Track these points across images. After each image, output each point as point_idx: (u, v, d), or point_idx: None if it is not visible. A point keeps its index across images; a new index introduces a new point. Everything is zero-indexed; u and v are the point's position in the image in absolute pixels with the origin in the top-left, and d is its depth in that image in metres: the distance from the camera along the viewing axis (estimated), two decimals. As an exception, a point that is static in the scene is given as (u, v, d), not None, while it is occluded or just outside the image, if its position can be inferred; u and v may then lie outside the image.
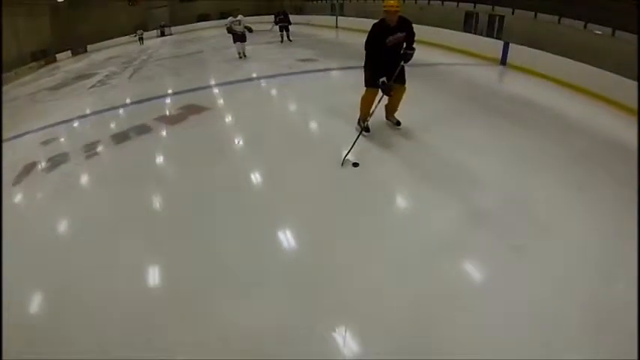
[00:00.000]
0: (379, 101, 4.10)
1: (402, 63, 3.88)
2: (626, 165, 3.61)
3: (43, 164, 4.90)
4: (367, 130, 4.30)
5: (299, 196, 3.39)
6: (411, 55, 3.88)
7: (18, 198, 4.23)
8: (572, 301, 2.18)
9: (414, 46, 3.91)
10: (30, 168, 4.83)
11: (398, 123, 4.51)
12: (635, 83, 5.29)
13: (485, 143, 4.19)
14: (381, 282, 2.39)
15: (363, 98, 4.25)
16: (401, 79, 4.06)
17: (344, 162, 3.66)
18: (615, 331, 1.99)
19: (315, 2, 22.39)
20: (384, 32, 3.73)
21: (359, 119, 4.41)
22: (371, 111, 4.17)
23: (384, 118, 4.57)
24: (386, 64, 3.81)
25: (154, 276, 2.67)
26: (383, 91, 3.90)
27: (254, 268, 2.61)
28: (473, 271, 2.47)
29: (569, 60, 6.57)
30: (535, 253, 2.54)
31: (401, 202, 3.30)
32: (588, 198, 3.16)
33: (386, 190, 3.39)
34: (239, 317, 2.21)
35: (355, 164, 3.69)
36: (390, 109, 4.48)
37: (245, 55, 10.09)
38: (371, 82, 4.02)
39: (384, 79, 3.77)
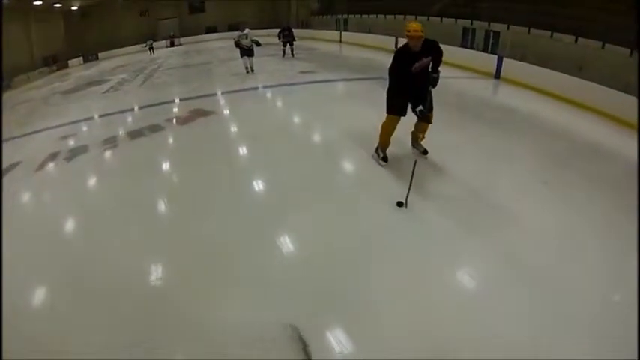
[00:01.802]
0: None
1: (431, 88, 3.66)
2: (609, 166, 4.13)
3: (64, 155, 5.46)
4: (385, 160, 4.09)
5: (291, 184, 3.92)
6: (437, 79, 3.66)
7: (40, 181, 4.78)
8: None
9: (440, 68, 3.70)
10: (52, 157, 5.39)
11: (425, 152, 4.21)
12: (620, 93, 5.74)
13: (465, 147, 4.51)
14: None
15: (384, 126, 3.98)
16: (428, 107, 3.76)
17: (407, 204, 3.27)
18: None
19: (321, 17, 23.13)
20: (408, 59, 3.52)
21: (377, 148, 4.19)
22: (390, 139, 4.01)
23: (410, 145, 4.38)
24: (413, 90, 3.62)
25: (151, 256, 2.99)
26: (422, 120, 3.70)
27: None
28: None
29: (559, 73, 7.01)
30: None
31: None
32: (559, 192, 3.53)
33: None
34: (235, 313, 2.33)
35: (399, 204, 3.31)
36: (417, 138, 4.22)
37: (253, 70, 9.94)
38: (393, 110, 3.82)
39: (421, 107, 3.57)
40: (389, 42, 13.61)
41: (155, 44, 22.42)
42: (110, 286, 2.65)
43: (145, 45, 22.06)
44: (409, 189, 3.32)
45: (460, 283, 2.53)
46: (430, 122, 3.79)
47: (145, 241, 3.20)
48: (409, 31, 3.43)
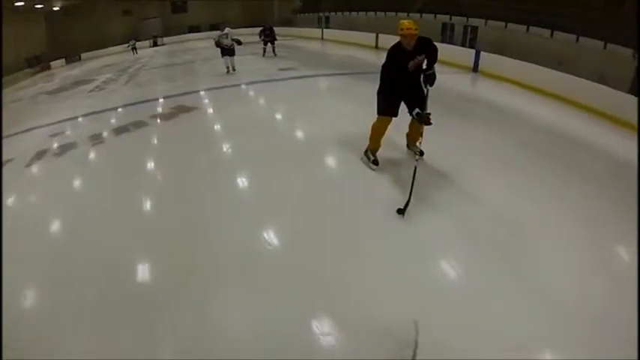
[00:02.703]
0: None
1: (428, 87, 3.61)
2: (580, 155, 4.48)
3: (53, 150, 5.72)
4: (376, 163, 3.92)
5: (267, 173, 4.26)
6: (434, 77, 3.59)
7: (31, 176, 5.05)
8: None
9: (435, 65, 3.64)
10: (41, 154, 5.64)
11: (421, 153, 3.97)
12: (594, 84, 6.15)
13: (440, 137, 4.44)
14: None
15: (374, 128, 3.84)
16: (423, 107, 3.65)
17: (405, 212, 3.12)
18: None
19: (303, 15, 23.40)
20: (402, 58, 3.40)
21: (366, 150, 4.03)
22: (381, 142, 3.92)
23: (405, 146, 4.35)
24: (408, 90, 3.53)
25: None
26: (422, 122, 3.50)
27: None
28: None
29: (534, 65, 7.44)
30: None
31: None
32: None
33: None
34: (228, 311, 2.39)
35: (400, 211, 3.13)
36: (412, 140, 4.12)
37: (234, 70, 9.86)
38: (384, 110, 3.70)
39: (417, 110, 3.43)
40: (370, 38, 14.05)
41: (138, 44, 22.44)
42: (96, 281, 2.75)
43: (127, 45, 22.08)
44: (409, 197, 3.19)
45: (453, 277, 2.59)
46: (430, 124, 3.49)
47: (131, 226, 3.45)
48: (403, 29, 3.32)
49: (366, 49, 13.48)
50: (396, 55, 3.46)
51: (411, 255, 2.75)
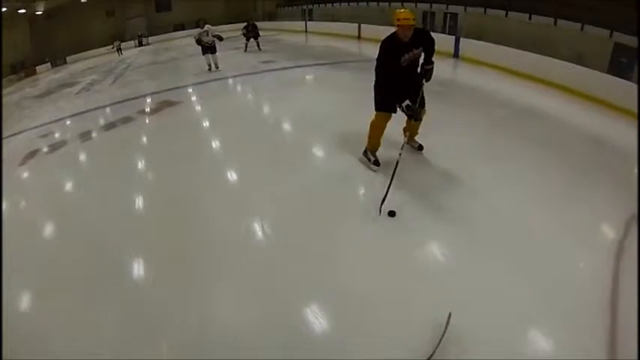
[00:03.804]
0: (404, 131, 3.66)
1: (424, 81, 3.46)
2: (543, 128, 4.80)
3: (44, 150, 5.93)
4: (377, 163, 3.72)
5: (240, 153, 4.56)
6: (431, 72, 3.43)
7: (25, 174, 5.24)
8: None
9: (433, 59, 3.46)
10: (33, 154, 5.83)
11: (420, 147, 4.01)
12: (570, 64, 6.42)
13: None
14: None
15: (372, 125, 3.64)
16: (421, 102, 3.51)
17: (381, 211, 3.03)
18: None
19: (287, 9, 23.50)
20: (397, 51, 3.21)
21: (365, 150, 3.84)
22: (381, 141, 3.72)
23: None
24: (403, 85, 3.30)
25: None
26: (411, 117, 3.38)
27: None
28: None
29: (512, 49, 7.74)
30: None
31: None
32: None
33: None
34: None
35: (392, 213, 3.02)
36: (411, 134, 3.91)
37: (217, 67, 9.64)
38: (382, 106, 3.50)
39: (407, 102, 3.25)
40: (352, 29, 14.28)
41: (124, 45, 22.41)
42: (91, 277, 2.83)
43: (112, 46, 22.04)
44: (387, 192, 3.11)
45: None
46: (420, 120, 3.49)
47: (121, 217, 3.62)
48: (399, 19, 3.11)
49: (348, 40, 13.73)
50: (390, 47, 3.24)
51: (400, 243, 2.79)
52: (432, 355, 1.90)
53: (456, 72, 8.44)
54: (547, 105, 5.72)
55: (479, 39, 9.05)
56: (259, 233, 3.05)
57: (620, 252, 2.59)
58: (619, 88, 5.62)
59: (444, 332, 1.99)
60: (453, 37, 9.51)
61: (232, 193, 3.77)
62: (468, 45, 8.99)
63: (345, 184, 3.63)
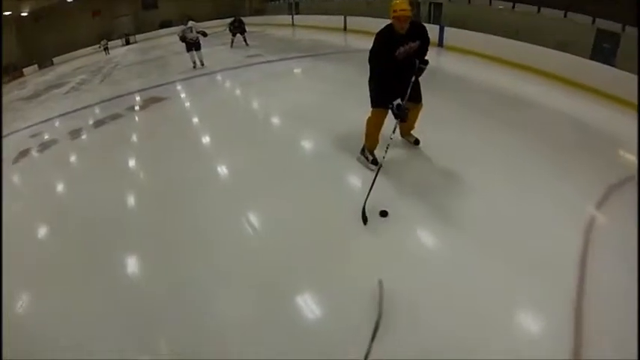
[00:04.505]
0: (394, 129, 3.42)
1: (413, 78, 3.33)
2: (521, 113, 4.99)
3: (36, 148, 6.07)
4: (375, 163, 3.53)
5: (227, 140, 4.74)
6: (424, 70, 3.35)
7: (17, 172, 5.38)
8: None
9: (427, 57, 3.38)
10: (25, 152, 5.97)
11: (417, 141, 3.92)
12: (553, 51, 6.58)
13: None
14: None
15: (369, 122, 3.52)
16: (416, 97, 3.46)
17: (365, 217, 2.90)
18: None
19: (275, 2, 23.49)
20: (392, 43, 3.10)
21: (363, 148, 3.71)
22: (379, 138, 3.58)
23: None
24: (396, 79, 3.18)
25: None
26: (397, 117, 3.21)
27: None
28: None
29: (496, 37, 7.93)
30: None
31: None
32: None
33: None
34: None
35: (383, 213, 2.94)
36: (406, 129, 3.90)
37: (203, 64, 9.61)
38: (379, 102, 3.37)
39: (398, 101, 3.12)
40: (338, 21, 14.40)
41: (111, 44, 22.31)
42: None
43: (99, 46, 21.92)
44: (368, 195, 3.01)
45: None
46: (405, 121, 3.35)
47: (111, 206, 3.77)
48: (396, 11, 2.98)
49: (334, 32, 13.87)
50: (384, 39, 3.13)
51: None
52: (375, 330, 1.98)
53: (440, 60, 8.59)
54: (531, 91, 5.89)
55: (462, 28, 9.19)
56: (251, 230, 3.05)
57: (591, 226, 2.73)
58: (603, 73, 5.78)
59: (381, 300, 2.12)
60: (437, 26, 9.68)
61: (223, 188, 3.84)
62: (452, 34, 9.17)
63: (342, 183, 3.59)
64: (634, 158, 3.73)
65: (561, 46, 6.80)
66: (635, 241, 2.35)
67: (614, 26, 7.15)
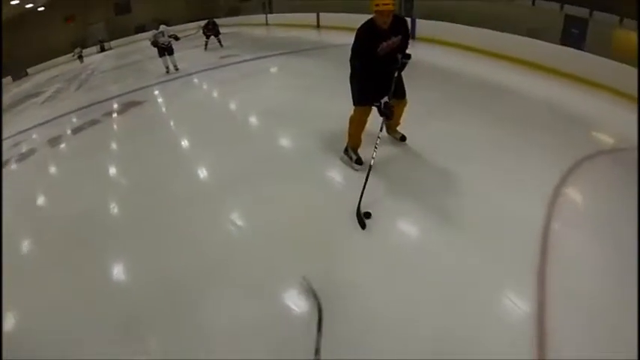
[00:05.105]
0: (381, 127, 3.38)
1: (396, 74, 3.23)
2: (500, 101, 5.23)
3: (15, 158, 6.15)
4: (359, 162, 3.49)
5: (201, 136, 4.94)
6: (407, 64, 3.22)
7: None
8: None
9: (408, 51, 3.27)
10: (5, 163, 6.03)
11: (403, 138, 3.86)
12: (523, 38, 6.89)
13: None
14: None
15: (352, 120, 3.44)
16: (400, 93, 3.39)
17: (363, 220, 2.83)
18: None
19: (249, 2, 23.53)
20: (375, 38, 2.99)
21: (346, 148, 3.63)
22: (362, 137, 3.52)
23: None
24: (379, 75, 3.13)
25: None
26: (383, 114, 3.16)
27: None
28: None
29: (466, 27, 8.28)
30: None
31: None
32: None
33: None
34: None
35: (367, 214, 2.87)
36: (392, 126, 3.84)
37: (177, 69, 9.55)
38: (362, 100, 3.28)
39: (385, 99, 3.09)
40: (311, 18, 14.63)
41: (86, 51, 22.04)
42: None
43: (73, 54, 21.65)
44: (361, 197, 2.95)
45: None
46: (390, 119, 3.34)
47: (93, 211, 3.79)
48: (378, 5, 2.85)
49: (307, 29, 14.10)
50: (367, 34, 3.02)
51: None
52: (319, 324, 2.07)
53: (413, 52, 8.90)
54: (506, 79, 6.16)
55: (434, 19, 9.49)
56: (235, 230, 3.10)
57: (555, 198, 2.93)
58: (573, 57, 6.16)
59: (314, 294, 2.23)
60: (409, 19, 9.98)
61: (205, 190, 3.84)
62: (423, 25, 9.52)
63: (326, 183, 3.57)
64: (604, 136, 4.12)
65: (532, 33, 7.10)
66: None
67: (581, 11, 7.47)
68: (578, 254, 2.47)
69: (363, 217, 2.82)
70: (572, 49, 6.38)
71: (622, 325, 1.93)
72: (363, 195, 2.97)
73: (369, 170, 3.15)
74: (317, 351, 1.89)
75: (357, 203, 2.92)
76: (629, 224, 2.56)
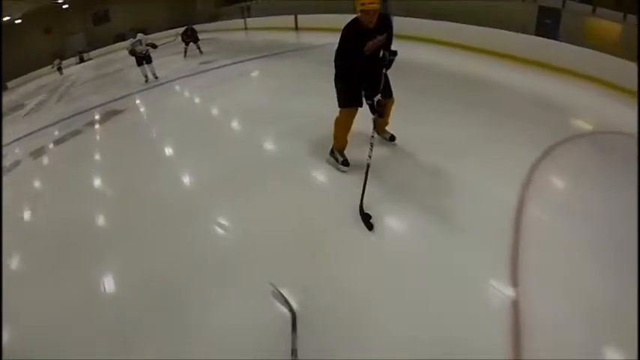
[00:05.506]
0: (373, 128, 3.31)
1: (384, 71, 3.23)
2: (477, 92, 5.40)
3: (-2, 172, 6.22)
4: (345, 164, 3.49)
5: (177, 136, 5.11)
6: (393, 62, 3.21)
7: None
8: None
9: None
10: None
11: (392, 138, 3.85)
12: (517, 34, 7.06)
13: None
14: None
15: (338, 122, 3.41)
16: (387, 92, 3.33)
17: (368, 221, 2.81)
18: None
19: (227, 8, 23.59)
20: (361, 37, 2.96)
21: (332, 149, 3.61)
22: (348, 138, 3.49)
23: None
24: (364, 76, 3.11)
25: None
26: (375, 113, 3.13)
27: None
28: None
29: (441, 22, 8.58)
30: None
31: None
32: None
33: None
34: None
35: (367, 215, 2.86)
36: (381, 126, 3.79)
37: (156, 77, 9.48)
38: (347, 101, 3.26)
39: (379, 97, 3.07)
40: (289, 21, 14.80)
41: (65, 62, 21.84)
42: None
43: (52, 66, 21.42)
44: (362, 198, 2.95)
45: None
46: (382, 116, 3.31)
47: (76, 221, 3.78)
48: (364, 4, 2.81)
49: (285, 31, 14.29)
50: (354, 35, 2.98)
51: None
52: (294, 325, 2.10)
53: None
54: (484, 71, 6.46)
55: (410, 16, 9.72)
56: (224, 235, 3.14)
57: (528, 183, 3.08)
58: (547, 47, 6.47)
59: (285, 300, 2.26)
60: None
61: (189, 196, 3.84)
62: (399, 22, 9.59)
63: (313, 185, 3.58)
64: (580, 121, 4.37)
65: (506, 26, 7.38)
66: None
67: (554, 2, 7.76)
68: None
69: (367, 218, 2.81)
70: (546, 40, 6.69)
71: (597, 300, 2.08)
72: (364, 195, 2.98)
73: (367, 169, 3.11)
74: (293, 351, 1.91)
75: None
76: (605, 205, 2.79)
